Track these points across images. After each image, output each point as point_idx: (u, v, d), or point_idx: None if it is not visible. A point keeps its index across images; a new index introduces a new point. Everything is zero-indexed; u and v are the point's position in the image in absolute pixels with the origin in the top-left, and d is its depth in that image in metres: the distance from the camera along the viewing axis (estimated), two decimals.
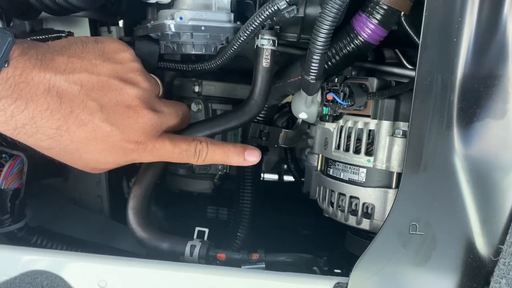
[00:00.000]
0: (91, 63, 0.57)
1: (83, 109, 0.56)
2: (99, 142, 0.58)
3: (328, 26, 0.61)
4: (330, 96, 0.69)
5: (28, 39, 0.71)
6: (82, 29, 0.94)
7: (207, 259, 0.70)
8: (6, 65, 0.51)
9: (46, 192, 0.92)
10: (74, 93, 0.55)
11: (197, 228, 0.72)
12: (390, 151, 0.67)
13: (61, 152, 0.58)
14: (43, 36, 0.82)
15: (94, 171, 0.63)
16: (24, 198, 0.72)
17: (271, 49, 0.72)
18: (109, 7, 0.93)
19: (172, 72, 1.00)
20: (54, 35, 0.83)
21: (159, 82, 0.67)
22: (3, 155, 0.73)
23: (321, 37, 0.62)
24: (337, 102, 0.68)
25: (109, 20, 0.97)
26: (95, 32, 0.97)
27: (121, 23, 0.99)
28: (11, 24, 0.72)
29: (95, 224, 0.94)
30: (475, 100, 0.54)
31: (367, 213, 0.68)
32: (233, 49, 0.71)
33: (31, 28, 0.84)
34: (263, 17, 0.67)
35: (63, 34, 0.84)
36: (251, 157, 0.68)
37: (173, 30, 0.70)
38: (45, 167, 0.84)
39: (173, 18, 0.69)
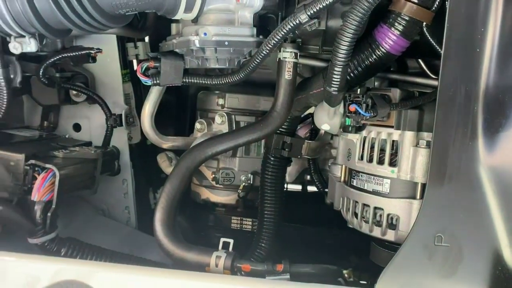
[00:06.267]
0: None
1: None
2: None
3: (349, 38, 0.62)
4: (352, 107, 0.70)
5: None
6: (110, 45, 0.98)
7: (232, 270, 0.70)
8: None
9: (76, 203, 0.95)
10: None
11: (222, 239, 0.73)
12: (414, 161, 0.67)
13: None
14: (74, 54, 0.86)
15: None
16: (55, 210, 0.74)
17: (293, 62, 0.73)
18: (136, 24, 0.97)
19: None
20: (84, 52, 0.87)
21: None
22: (36, 169, 0.76)
23: (342, 49, 0.63)
24: (359, 113, 0.69)
25: (136, 37, 1.00)
26: (122, 47, 1.01)
27: (146, 39, 1.02)
28: (44, 42, 0.75)
29: (123, 235, 0.96)
30: (500, 110, 0.53)
31: (392, 224, 0.68)
32: (256, 62, 0.72)
33: (62, 46, 0.88)
34: (285, 30, 0.68)
35: (92, 51, 0.88)
36: None
37: (198, 45, 0.72)
38: (75, 180, 0.87)
39: (197, 34, 0.71)
